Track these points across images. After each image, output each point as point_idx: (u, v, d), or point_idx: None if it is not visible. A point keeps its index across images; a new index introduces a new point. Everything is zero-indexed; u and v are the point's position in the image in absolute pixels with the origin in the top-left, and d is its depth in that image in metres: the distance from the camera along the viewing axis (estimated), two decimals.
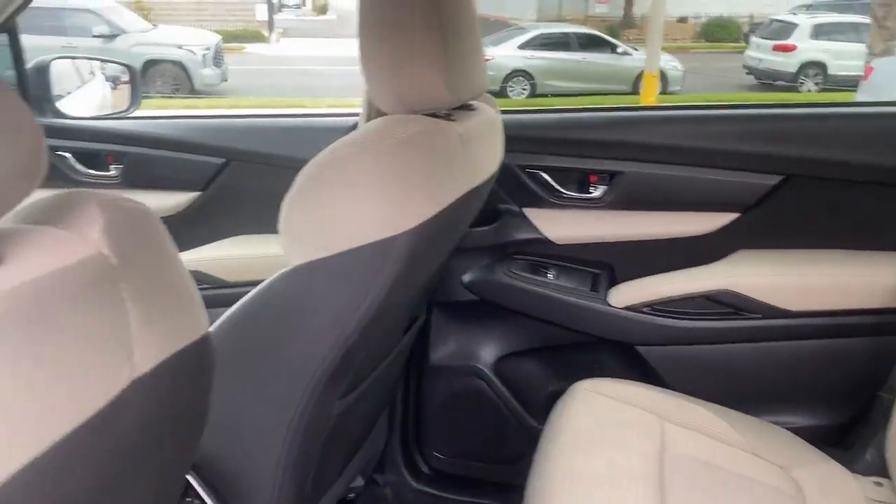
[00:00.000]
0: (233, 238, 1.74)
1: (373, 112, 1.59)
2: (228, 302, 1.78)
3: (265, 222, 1.81)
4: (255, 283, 1.74)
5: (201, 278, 1.68)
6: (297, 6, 29.53)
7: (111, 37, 10.38)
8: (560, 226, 1.56)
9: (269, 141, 1.69)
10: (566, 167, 1.54)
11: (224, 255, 1.68)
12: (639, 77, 10.81)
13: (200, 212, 1.73)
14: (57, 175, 1.71)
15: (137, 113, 1.91)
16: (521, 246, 1.58)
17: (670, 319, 1.49)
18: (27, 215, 0.52)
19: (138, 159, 1.70)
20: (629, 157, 1.49)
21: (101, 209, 0.53)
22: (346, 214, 0.88)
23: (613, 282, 1.56)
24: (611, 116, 1.59)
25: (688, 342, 1.51)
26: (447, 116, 1.02)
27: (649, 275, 1.53)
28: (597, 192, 1.54)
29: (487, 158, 1.14)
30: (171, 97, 9.83)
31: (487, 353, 1.65)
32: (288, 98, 9.68)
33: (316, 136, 1.71)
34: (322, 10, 28.41)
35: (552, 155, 1.54)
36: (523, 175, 1.54)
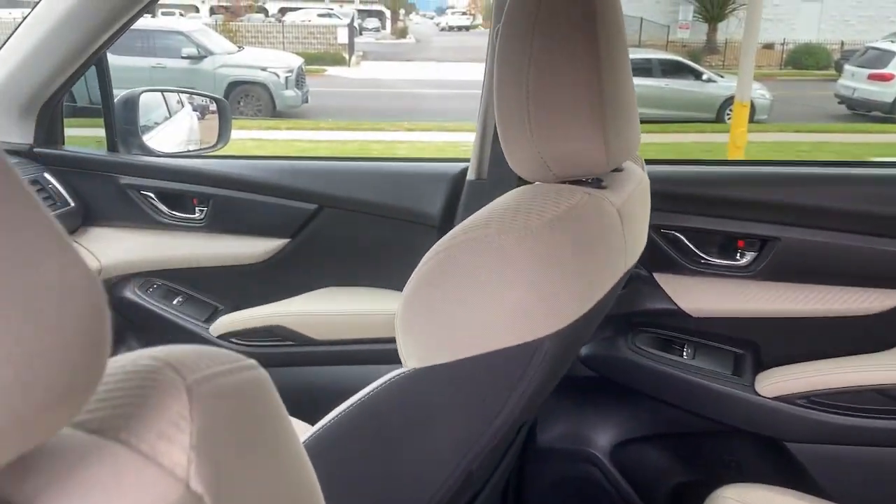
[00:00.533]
0: (321, 290, 1.59)
1: (484, 161, 1.42)
2: (313, 360, 1.64)
3: (357, 273, 1.63)
4: (341, 343, 1.60)
5: (285, 334, 1.53)
6: (377, 30, 30.07)
7: (199, 58, 10.65)
8: (697, 296, 1.34)
9: (365, 187, 1.54)
10: (708, 229, 1.33)
11: (311, 311, 1.52)
12: (724, 105, 10.42)
13: (288, 260, 1.59)
14: (140, 216, 1.59)
15: (225, 150, 1.79)
16: (649, 317, 1.37)
17: (832, 415, 1.25)
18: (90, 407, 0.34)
19: (225, 202, 1.57)
20: (786, 220, 1.27)
21: (190, 403, 0.35)
22: (480, 315, 0.70)
23: (760, 365, 1.33)
24: (765, 172, 1.37)
25: (851, 443, 1.27)
26: (597, 183, 0.83)
27: (804, 359, 1.30)
28: (744, 259, 1.32)
29: (643, 232, 0.95)
30: (253, 118, 9.98)
31: (604, 437, 1.44)
32: (366, 121, 9.69)
33: (417, 183, 1.55)
34: (401, 33, 28.82)
35: (692, 214, 1.33)
36: (656, 236, 1.33)
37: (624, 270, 0.85)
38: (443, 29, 32.85)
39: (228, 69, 10.61)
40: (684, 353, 1.36)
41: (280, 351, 1.55)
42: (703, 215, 1.33)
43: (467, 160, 1.50)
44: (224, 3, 25.12)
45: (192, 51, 10.70)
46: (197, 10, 27.20)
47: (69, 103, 1.67)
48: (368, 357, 1.52)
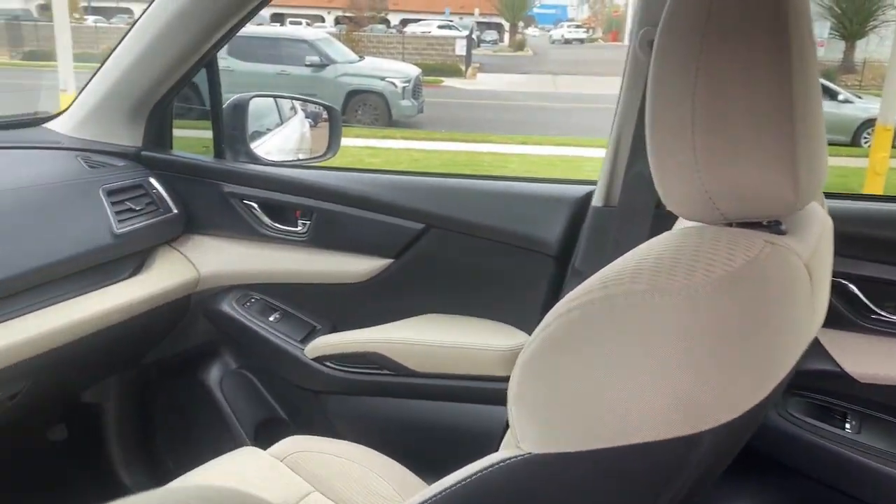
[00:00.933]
0: (423, 317, 1.47)
1: (615, 186, 1.25)
2: (409, 393, 1.51)
3: (462, 301, 1.46)
4: (442, 377, 1.47)
5: (383, 363, 1.41)
6: (495, 42, 30.15)
7: (321, 66, 10.92)
8: (867, 358, 1.12)
9: (477, 207, 1.40)
10: (886, 279, 1.10)
11: (411, 339, 1.40)
12: (861, 127, 9.65)
13: (390, 282, 1.47)
14: (242, 226, 1.52)
15: (337, 160, 1.70)
16: (806, 379, 1.16)
17: None
18: None
19: (328, 216, 1.47)
20: None
21: None
22: (619, 398, 0.53)
23: None
24: None
25: None
26: (776, 227, 0.64)
27: None
28: None
29: (828, 289, 0.76)
30: (369, 127, 10.13)
31: None
32: (478, 133, 9.62)
33: (535, 206, 1.40)
34: (519, 46, 28.75)
35: (866, 260, 1.11)
36: None
37: (809, 341, 0.66)
38: (554, 42, 32.48)
39: (349, 78, 10.82)
40: (847, 425, 1.14)
41: (376, 380, 1.43)
42: (880, 262, 1.11)
43: (592, 183, 1.33)
44: (349, 14, 25.90)
45: (315, 59, 10.99)
46: (323, 20, 28.23)
47: (182, 104, 1.63)
48: (471, 395, 1.38)
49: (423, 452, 1.38)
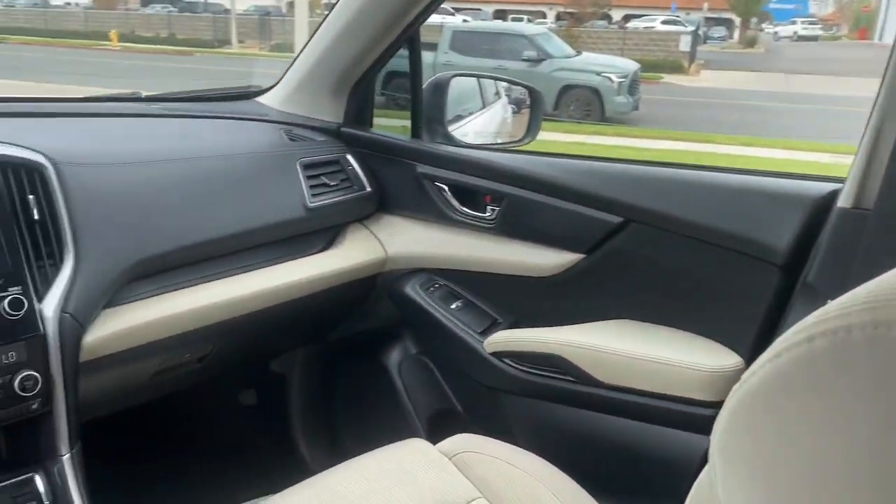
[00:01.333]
0: (614, 322, 1.32)
1: (870, 184, 1.01)
2: (591, 404, 1.37)
3: (662, 309, 1.27)
4: (631, 392, 1.32)
5: (565, 367, 1.29)
6: (723, 38, 28.35)
7: (537, 61, 10.87)
8: None
9: (687, 201, 1.22)
10: None
11: (599, 345, 1.26)
12: None
13: (581, 280, 1.34)
14: (431, 208, 1.47)
15: (531, 147, 1.60)
16: None
17: None
18: None
19: (519, 203, 1.37)
20: None
21: None
22: (857, 468, 0.36)
23: None
24: None
25: None
26: None
27: None
28: None
29: None
30: (580, 122, 9.91)
31: None
32: (696, 132, 9.05)
33: (761, 204, 1.18)
34: (749, 42, 26.78)
35: None
36: None
37: None
38: (779, 39, 29.87)
39: (564, 73, 10.66)
40: None
41: (556, 385, 1.31)
42: None
43: (839, 180, 1.10)
44: (570, 10, 25.64)
45: (532, 54, 10.95)
46: (544, 16, 28.26)
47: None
48: (662, 417, 1.21)
49: (602, 472, 1.24)
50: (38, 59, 14.99)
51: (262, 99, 1.59)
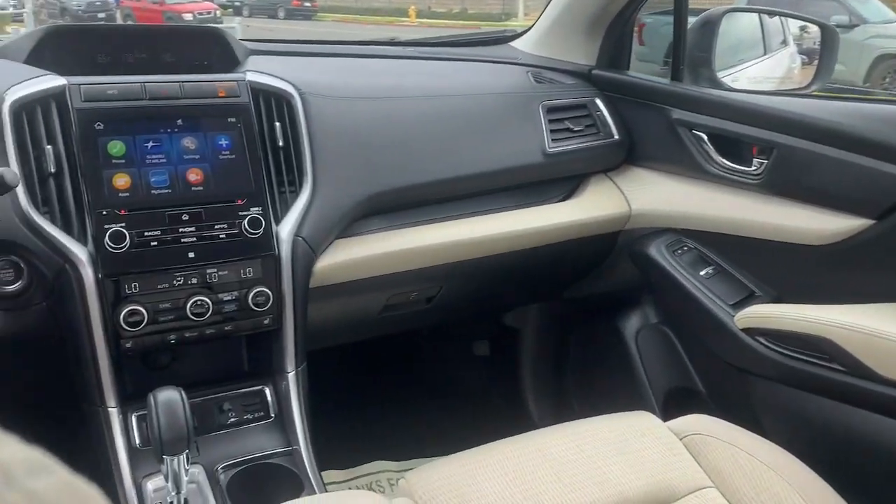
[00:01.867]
0: None
1: None
2: (861, 400, 1.09)
3: None
4: None
5: (835, 354, 1.06)
6: None
7: (849, 27, 9.54)
8: None
9: None
10: None
11: (880, 331, 1.02)
12: None
13: (867, 250, 1.10)
14: (686, 160, 1.31)
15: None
16: None
17: None
18: None
19: (792, 155, 1.16)
20: None
21: None
22: None
23: None
24: None
25: None
26: None
27: None
28: None
29: None
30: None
31: None
32: None
33: None
34: None
35: None
36: None
37: None
38: None
39: (881, 40, 9.23)
40: None
41: (820, 374, 1.09)
42: None
43: None
44: None
45: (843, 18, 9.62)
46: None
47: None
48: None
49: (867, 484, 1.02)
50: (350, 34, 16.72)
51: (515, 43, 1.55)
